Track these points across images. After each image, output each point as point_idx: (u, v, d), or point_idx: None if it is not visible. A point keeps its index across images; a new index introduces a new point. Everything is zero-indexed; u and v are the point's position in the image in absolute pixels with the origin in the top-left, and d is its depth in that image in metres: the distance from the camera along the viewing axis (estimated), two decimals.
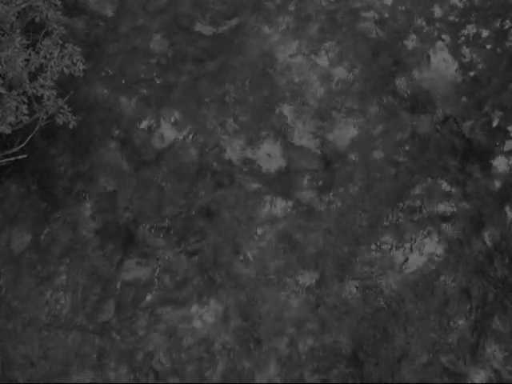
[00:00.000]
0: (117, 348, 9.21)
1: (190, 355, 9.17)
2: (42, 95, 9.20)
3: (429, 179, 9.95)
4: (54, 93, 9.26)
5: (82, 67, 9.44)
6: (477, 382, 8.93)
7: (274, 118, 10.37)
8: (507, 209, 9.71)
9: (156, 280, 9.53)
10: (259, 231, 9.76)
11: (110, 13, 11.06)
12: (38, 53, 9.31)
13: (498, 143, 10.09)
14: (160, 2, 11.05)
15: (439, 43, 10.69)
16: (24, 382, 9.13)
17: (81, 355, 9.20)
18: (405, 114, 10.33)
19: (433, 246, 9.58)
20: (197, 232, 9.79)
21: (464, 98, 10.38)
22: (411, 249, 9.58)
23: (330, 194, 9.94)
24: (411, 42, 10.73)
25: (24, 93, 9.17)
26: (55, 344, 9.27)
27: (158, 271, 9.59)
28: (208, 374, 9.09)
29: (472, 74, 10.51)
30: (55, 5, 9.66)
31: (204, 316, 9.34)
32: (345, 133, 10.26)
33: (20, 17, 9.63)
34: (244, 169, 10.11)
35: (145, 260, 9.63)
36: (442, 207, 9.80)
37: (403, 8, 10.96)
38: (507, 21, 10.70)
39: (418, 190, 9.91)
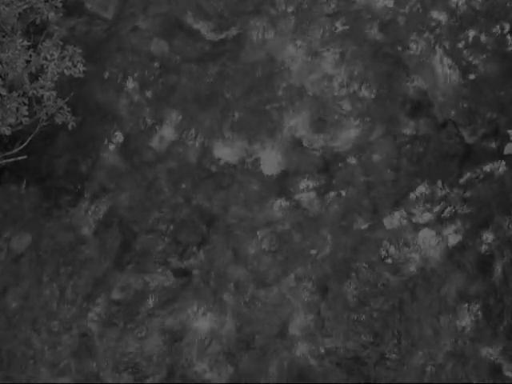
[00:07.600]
0: (116, 350, 9.23)
1: (188, 358, 9.20)
2: (42, 96, 9.24)
3: (428, 182, 9.96)
4: (54, 93, 9.29)
5: (82, 68, 9.48)
6: (475, 382, 8.96)
7: (274, 120, 10.38)
8: (506, 212, 9.71)
9: (155, 282, 9.55)
10: (259, 233, 9.78)
11: (110, 15, 11.10)
12: (38, 54, 9.35)
13: (497, 147, 10.09)
14: (161, 5, 11.07)
15: (439, 47, 10.70)
16: (24, 381, 9.16)
17: (79, 356, 9.23)
18: (404, 118, 10.34)
19: (432, 250, 9.58)
20: (196, 233, 9.81)
21: (463, 102, 10.39)
22: (410, 252, 9.59)
23: (330, 196, 9.96)
24: (412, 46, 10.73)
25: (24, 94, 9.21)
26: (55, 345, 9.29)
27: (156, 273, 9.61)
28: (207, 375, 9.12)
29: (472, 77, 10.52)
30: (56, 6, 9.72)
31: (202, 319, 9.36)
32: (344, 135, 10.27)
33: (21, 18, 9.69)
34: (244, 170, 10.13)
35: (143, 261, 9.65)
36: (442, 210, 9.80)
37: (404, 12, 10.97)
38: (507, 24, 10.72)
39: (417, 193, 9.92)
